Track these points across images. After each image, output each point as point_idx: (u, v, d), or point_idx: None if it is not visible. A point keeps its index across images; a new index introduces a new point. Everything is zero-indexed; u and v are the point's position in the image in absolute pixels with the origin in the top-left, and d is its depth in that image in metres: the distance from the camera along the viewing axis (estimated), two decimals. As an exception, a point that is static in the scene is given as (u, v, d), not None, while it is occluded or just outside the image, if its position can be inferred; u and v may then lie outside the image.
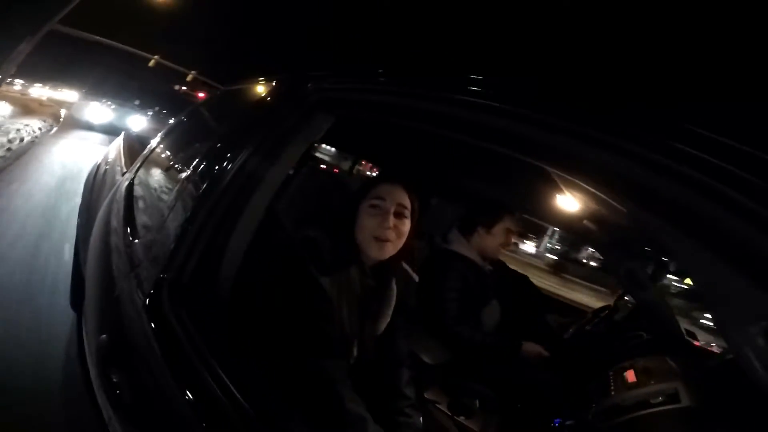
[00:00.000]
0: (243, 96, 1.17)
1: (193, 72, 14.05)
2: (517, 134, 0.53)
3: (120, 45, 13.68)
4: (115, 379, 0.69)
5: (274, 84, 0.92)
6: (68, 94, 14.18)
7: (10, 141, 4.84)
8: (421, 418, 0.93)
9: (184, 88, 13.18)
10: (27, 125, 6.07)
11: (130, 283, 0.85)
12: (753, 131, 0.40)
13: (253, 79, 1.11)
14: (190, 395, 0.60)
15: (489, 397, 1.31)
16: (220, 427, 0.57)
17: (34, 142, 6.00)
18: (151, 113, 10.60)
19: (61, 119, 8.92)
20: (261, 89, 1.00)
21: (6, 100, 7.34)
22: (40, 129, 6.65)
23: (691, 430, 0.87)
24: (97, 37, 13.10)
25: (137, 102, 10.74)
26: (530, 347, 1.37)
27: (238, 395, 0.58)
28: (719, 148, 0.38)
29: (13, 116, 6.77)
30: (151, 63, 14.00)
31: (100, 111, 10.40)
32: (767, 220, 0.33)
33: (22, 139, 5.32)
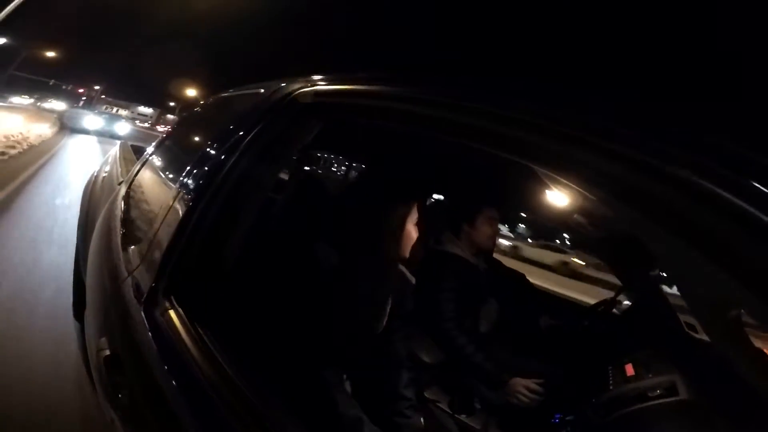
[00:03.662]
0: (232, 103, 1.17)
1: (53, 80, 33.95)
2: (503, 135, 0.54)
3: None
4: (115, 381, 0.70)
5: (262, 90, 0.92)
6: (56, 104, 24.86)
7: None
8: (422, 419, 0.93)
9: (70, 87, 35.13)
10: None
11: (127, 287, 0.86)
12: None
13: (243, 85, 1.11)
14: (185, 395, 0.61)
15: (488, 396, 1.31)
16: (216, 428, 0.57)
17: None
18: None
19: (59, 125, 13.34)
20: (250, 95, 1.00)
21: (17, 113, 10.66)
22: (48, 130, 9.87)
23: (688, 422, 0.87)
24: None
25: (105, 108, 18.38)
26: (516, 383, 1.26)
27: (232, 396, 0.59)
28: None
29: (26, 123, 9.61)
30: (51, 83, 33.76)
31: (93, 119, 15.36)
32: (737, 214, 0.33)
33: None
